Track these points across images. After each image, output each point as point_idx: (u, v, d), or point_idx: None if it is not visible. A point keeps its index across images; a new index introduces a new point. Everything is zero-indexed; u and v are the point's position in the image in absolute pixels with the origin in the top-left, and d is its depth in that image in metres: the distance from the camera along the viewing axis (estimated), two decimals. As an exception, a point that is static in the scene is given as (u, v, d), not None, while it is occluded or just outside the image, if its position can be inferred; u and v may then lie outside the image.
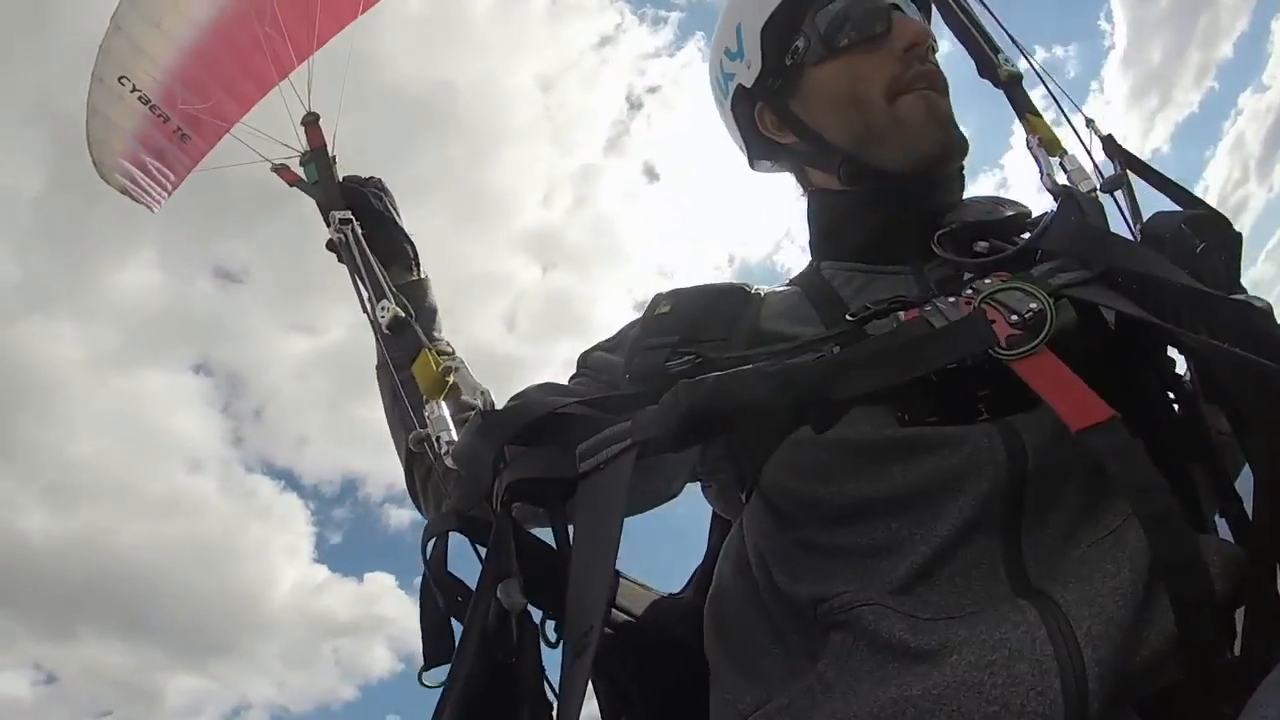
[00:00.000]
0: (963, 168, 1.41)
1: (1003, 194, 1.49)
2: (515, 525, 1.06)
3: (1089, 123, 1.62)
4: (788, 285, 1.43)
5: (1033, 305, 1.02)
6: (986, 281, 1.13)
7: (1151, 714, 0.89)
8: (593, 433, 1.05)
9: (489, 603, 0.97)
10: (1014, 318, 1.02)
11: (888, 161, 1.34)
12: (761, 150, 1.56)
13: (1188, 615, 0.86)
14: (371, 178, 1.89)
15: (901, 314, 1.14)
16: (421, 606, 1.11)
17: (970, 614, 0.95)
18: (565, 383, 1.45)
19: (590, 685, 1.09)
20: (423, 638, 1.10)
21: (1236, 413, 1.06)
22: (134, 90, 2.20)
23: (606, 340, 1.46)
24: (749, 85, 1.45)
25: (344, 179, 1.87)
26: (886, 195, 1.36)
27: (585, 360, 1.45)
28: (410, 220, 1.85)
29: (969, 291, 1.11)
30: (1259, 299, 1.02)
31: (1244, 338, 0.96)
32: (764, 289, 1.42)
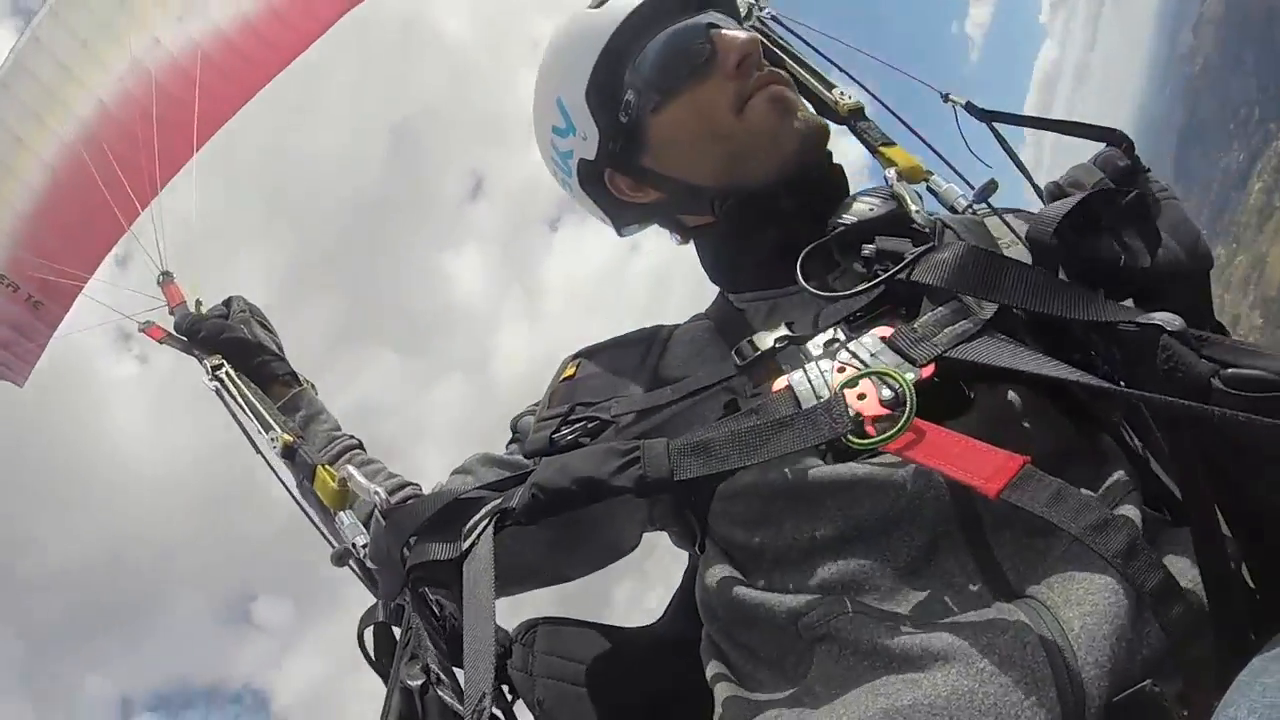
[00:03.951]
0: (831, 155, 1.34)
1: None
2: (439, 605, 1.21)
3: (945, 97, 1.57)
4: (700, 318, 1.39)
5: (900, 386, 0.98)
6: (865, 340, 1.08)
7: (1147, 711, 0.85)
8: (476, 512, 1.13)
9: (397, 681, 1.10)
10: (887, 393, 0.97)
11: (760, 178, 1.28)
12: (625, 216, 1.48)
13: (1179, 639, 0.84)
14: (232, 301, 1.85)
15: (775, 380, 1.10)
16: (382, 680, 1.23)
17: (953, 621, 0.92)
18: (503, 450, 1.44)
19: None
20: None
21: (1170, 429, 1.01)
22: (-22, 262, 2.11)
23: (533, 404, 1.44)
24: (592, 157, 1.37)
25: (205, 315, 1.83)
26: (766, 216, 1.30)
27: (515, 425, 1.46)
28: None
29: (846, 354, 1.08)
30: (1173, 319, 0.93)
31: (1151, 367, 0.92)
32: (676, 328, 1.39)
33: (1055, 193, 1.20)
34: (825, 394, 1.02)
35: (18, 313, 2.19)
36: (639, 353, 1.34)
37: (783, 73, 1.36)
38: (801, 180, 1.29)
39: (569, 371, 1.36)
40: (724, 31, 1.31)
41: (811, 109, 1.44)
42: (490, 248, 75.17)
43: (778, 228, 1.30)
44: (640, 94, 1.30)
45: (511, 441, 1.45)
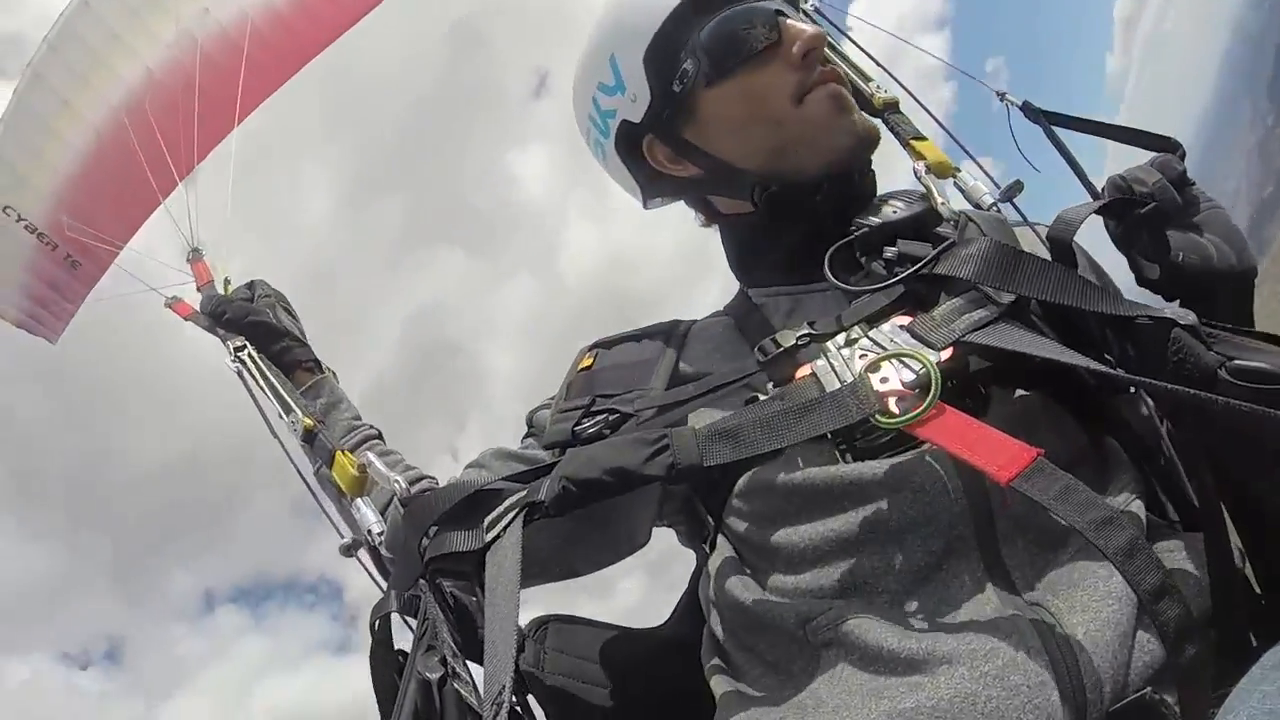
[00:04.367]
0: (871, 162, 1.34)
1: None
2: (455, 597, 1.17)
3: (1001, 96, 1.56)
4: (719, 314, 1.40)
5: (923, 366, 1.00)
6: (885, 328, 1.10)
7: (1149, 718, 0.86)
8: (499, 504, 1.13)
9: (413, 673, 1.07)
10: (909, 376, 0.99)
11: (804, 170, 1.29)
12: (657, 188, 1.46)
13: (1173, 641, 0.84)
14: (255, 285, 1.86)
15: (799, 367, 1.11)
16: (373, 675, 1.19)
17: (960, 625, 0.93)
18: (517, 445, 1.44)
19: None
20: (378, 705, 1.18)
21: (1177, 424, 1.05)
22: (20, 220, 2.12)
23: (549, 398, 1.44)
24: (637, 120, 1.35)
25: (230, 296, 1.83)
26: (801, 209, 1.31)
27: (531, 420, 1.45)
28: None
29: (868, 341, 1.09)
30: (1185, 313, 0.96)
31: (1162, 360, 0.94)
32: (694, 323, 1.39)
33: (1120, 186, 1.18)
34: (849, 378, 1.03)
35: (55, 271, 2.21)
36: (657, 346, 1.34)
37: (840, 72, 1.35)
38: (843, 180, 1.30)
39: (586, 362, 1.36)
40: (792, 21, 1.30)
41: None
42: (555, 147, 79.79)
43: (808, 224, 1.30)
44: (699, 65, 1.30)
45: (527, 436, 1.45)
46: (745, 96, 1.29)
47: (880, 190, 1.36)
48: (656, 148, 1.38)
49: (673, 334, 1.36)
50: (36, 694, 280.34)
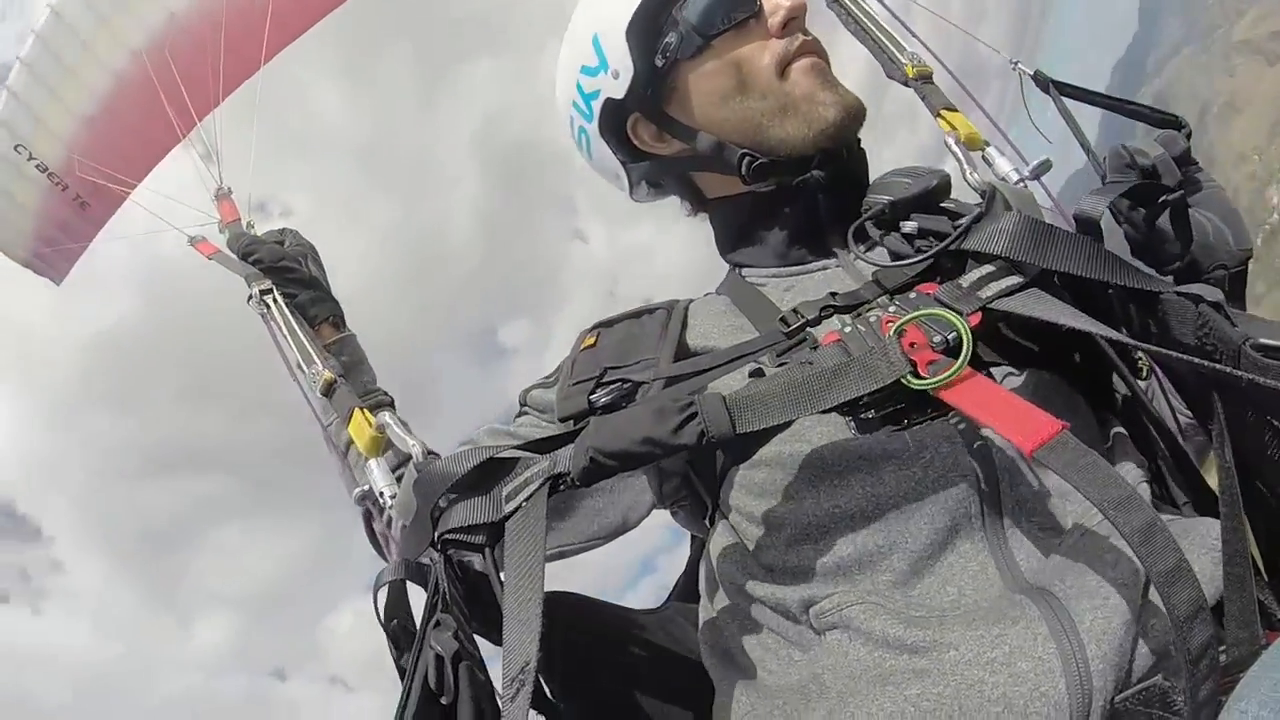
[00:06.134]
0: (860, 141, 1.34)
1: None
2: (462, 568, 1.13)
3: (1014, 64, 1.58)
4: (714, 294, 1.39)
5: (955, 328, 0.99)
6: (911, 296, 1.09)
7: (1157, 705, 0.86)
8: (518, 474, 1.09)
9: (424, 646, 1.03)
10: (938, 339, 0.98)
11: (791, 141, 1.27)
12: (642, 170, 1.44)
13: (1182, 624, 0.82)
14: (287, 233, 1.85)
15: (824, 332, 1.10)
16: (391, 647, 1.16)
17: (966, 610, 0.93)
18: (510, 425, 1.43)
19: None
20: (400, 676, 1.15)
21: (1195, 405, 1.06)
22: (31, 159, 2.14)
23: (544, 378, 1.43)
24: (620, 96, 1.32)
25: (263, 239, 1.81)
26: (797, 186, 1.30)
27: (525, 399, 1.43)
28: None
29: (894, 308, 1.08)
30: (1210, 289, 0.96)
31: (1188, 335, 0.94)
32: (691, 302, 1.38)
33: (1121, 155, 1.21)
34: (876, 342, 1.02)
35: (64, 212, 2.22)
36: (659, 321, 1.33)
37: (822, 44, 1.36)
38: (833, 154, 1.29)
39: (589, 341, 1.34)
40: None
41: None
42: (529, -94, 73.10)
43: (804, 202, 1.30)
44: (681, 37, 1.28)
45: (519, 415, 1.44)
46: (727, 68, 1.28)
47: (871, 170, 1.35)
48: (641, 126, 1.36)
49: (673, 310, 1.35)
50: (366, 633, 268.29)
